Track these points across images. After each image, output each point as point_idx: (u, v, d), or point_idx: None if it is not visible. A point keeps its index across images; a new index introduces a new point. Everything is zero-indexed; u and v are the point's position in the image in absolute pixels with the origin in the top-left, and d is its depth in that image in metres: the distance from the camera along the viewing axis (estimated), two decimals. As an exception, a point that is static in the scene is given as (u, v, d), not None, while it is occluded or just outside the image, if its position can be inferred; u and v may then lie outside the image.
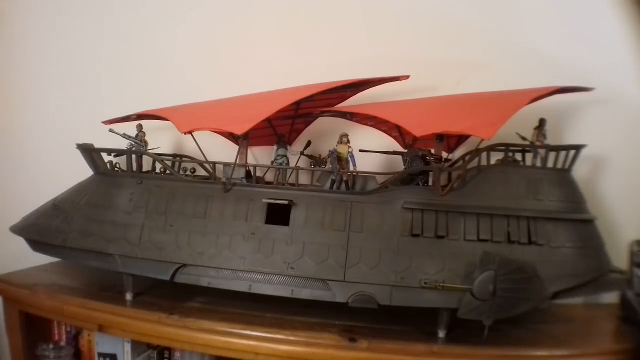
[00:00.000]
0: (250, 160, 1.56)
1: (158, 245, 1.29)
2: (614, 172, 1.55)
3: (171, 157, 1.60)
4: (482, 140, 1.18)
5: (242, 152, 1.40)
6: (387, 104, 1.46)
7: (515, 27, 1.62)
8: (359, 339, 1.14)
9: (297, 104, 1.46)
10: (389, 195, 1.23)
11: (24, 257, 1.53)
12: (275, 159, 1.46)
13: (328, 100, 1.52)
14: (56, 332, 1.57)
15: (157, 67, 1.90)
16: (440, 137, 1.41)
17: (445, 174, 1.36)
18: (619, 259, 1.28)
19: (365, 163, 1.40)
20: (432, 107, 1.37)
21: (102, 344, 1.48)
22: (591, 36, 1.56)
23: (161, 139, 1.65)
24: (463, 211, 1.18)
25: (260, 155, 1.74)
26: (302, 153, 1.52)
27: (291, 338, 1.17)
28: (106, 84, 1.96)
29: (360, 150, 1.44)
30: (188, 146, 1.65)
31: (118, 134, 1.48)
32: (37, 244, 1.45)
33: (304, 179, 1.56)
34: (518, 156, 1.31)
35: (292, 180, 1.40)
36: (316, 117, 1.58)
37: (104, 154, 1.48)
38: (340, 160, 1.30)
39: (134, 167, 1.42)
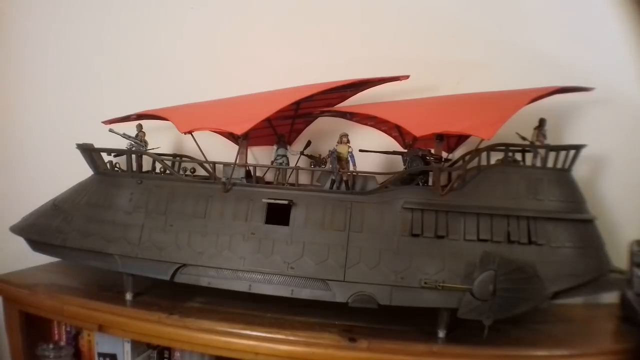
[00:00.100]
0: (250, 160, 1.56)
1: (158, 245, 1.29)
2: (614, 172, 1.55)
3: (171, 157, 1.60)
4: (482, 140, 1.18)
5: (242, 152, 1.40)
6: (387, 104, 1.46)
7: (515, 27, 1.62)
8: (359, 339, 1.14)
9: (297, 104, 1.46)
10: (389, 195, 1.23)
11: (24, 257, 1.53)
12: (275, 159, 1.46)
13: (328, 100, 1.52)
14: (56, 332, 1.57)
15: (157, 67, 1.90)
16: (440, 137, 1.41)
17: (445, 174, 1.36)
18: (619, 259, 1.28)
19: (365, 163, 1.40)
20: (432, 107, 1.37)
21: (102, 344, 1.47)
22: (591, 36, 1.56)
23: (161, 139, 1.65)
24: (463, 211, 1.18)
25: (260, 155, 1.74)
26: (302, 153, 1.52)
27: (291, 338, 1.17)
28: (106, 84, 1.96)
29: (360, 150, 1.44)
30: (188, 146, 1.65)
31: (118, 134, 1.48)
32: (37, 244, 1.45)
33: (304, 179, 1.56)
34: (518, 156, 1.31)
35: (292, 180, 1.40)
36: (316, 117, 1.58)
37: (104, 154, 1.48)
38: (340, 160, 1.30)
39: (134, 167, 1.42)
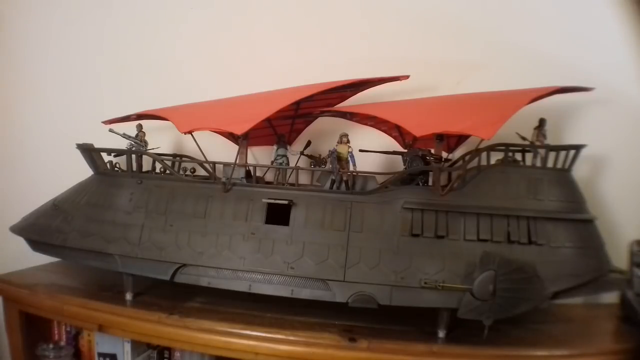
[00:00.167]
0: (250, 160, 1.56)
1: (158, 245, 1.29)
2: (614, 172, 1.56)
3: (171, 157, 1.60)
4: (482, 140, 1.18)
5: (242, 152, 1.40)
6: (387, 104, 1.46)
7: (515, 27, 1.62)
8: (359, 339, 1.14)
9: (297, 104, 1.46)
10: (389, 195, 1.23)
11: (24, 257, 1.53)
12: (275, 159, 1.46)
13: (328, 100, 1.52)
14: (56, 332, 1.57)
15: (157, 67, 1.90)
16: (440, 137, 1.41)
17: (445, 174, 1.36)
18: (619, 259, 1.28)
19: (365, 163, 1.40)
20: (432, 107, 1.37)
21: (102, 344, 1.47)
22: (591, 36, 1.56)
23: (161, 139, 1.65)
24: (463, 211, 1.18)
25: (260, 155, 1.74)
26: (302, 153, 1.52)
27: (291, 338, 1.17)
28: (106, 84, 1.96)
29: (360, 150, 1.44)
30: (188, 146, 1.65)
31: (118, 134, 1.48)
32: (37, 244, 1.45)
33: (304, 179, 1.56)
34: (518, 156, 1.31)
35: (292, 180, 1.40)
36: (316, 117, 1.58)
37: (104, 154, 1.48)
38: (340, 160, 1.30)
39: (134, 167, 1.42)
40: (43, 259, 1.57)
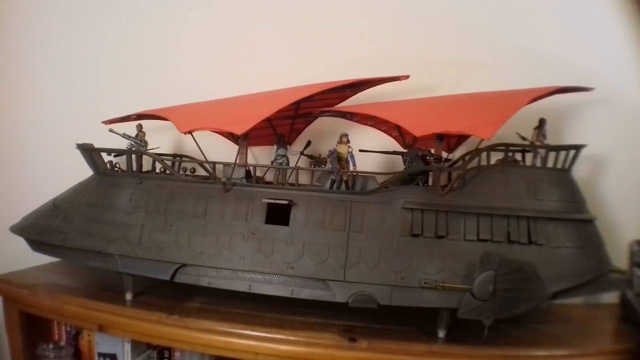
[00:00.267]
0: (250, 160, 1.56)
1: (158, 245, 1.29)
2: (614, 172, 1.56)
3: (171, 157, 1.60)
4: (482, 140, 1.18)
5: (242, 152, 1.40)
6: (387, 104, 1.46)
7: (515, 27, 1.62)
8: (359, 339, 1.14)
9: (297, 104, 1.46)
10: (389, 195, 1.23)
11: (24, 257, 1.53)
12: (275, 159, 1.46)
13: (328, 100, 1.52)
14: (56, 332, 1.57)
15: (157, 67, 1.90)
16: (440, 137, 1.41)
17: (445, 174, 1.36)
18: (619, 259, 1.28)
19: (365, 163, 1.40)
20: (432, 107, 1.37)
21: (102, 344, 1.47)
22: (591, 36, 1.56)
23: (161, 139, 1.65)
24: (463, 211, 1.18)
25: (260, 155, 1.74)
26: (302, 153, 1.52)
27: (291, 338, 1.17)
28: (106, 84, 1.96)
29: (360, 150, 1.44)
30: (188, 146, 1.65)
31: (118, 134, 1.48)
32: (37, 244, 1.45)
33: (304, 179, 1.56)
34: (518, 156, 1.31)
35: (292, 180, 1.40)
36: (316, 117, 1.58)
37: (104, 154, 1.48)
38: (340, 160, 1.30)
39: (134, 167, 1.42)
40: (43, 259, 1.57)
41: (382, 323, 1.24)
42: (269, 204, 1.26)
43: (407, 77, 1.43)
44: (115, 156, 1.48)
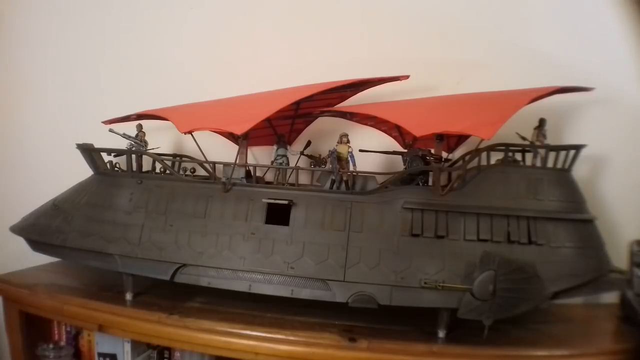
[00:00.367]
0: (250, 160, 1.56)
1: (158, 245, 1.29)
2: (614, 172, 1.56)
3: (171, 157, 1.60)
4: (482, 140, 1.18)
5: (242, 152, 1.40)
6: (387, 104, 1.46)
7: (515, 27, 1.62)
8: (359, 339, 1.14)
9: (297, 104, 1.46)
10: (389, 195, 1.23)
11: (24, 257, 1.53)
12: (275, 159, 1.46)
13: (328, 100, 1.52)
14: (56, 332, 1.57)
15: (157, 67, 1.90)
16: (440, 137, 1.41)
17: (445, 174, 1.36)
18: (619, 259, 1.28)
19: (365, 163, 1.40)
20: (432, 107, 1.37)
21: (102, 344, 1.47)
22: (591, 36, 1.56)
23: (161, 139, 1.65)
24: (463, 211, 1.18)
25: (260, 155, 1.74)
26: (302, 153, 1.52)
27: (291, 338, 1.17)
28: (107, 84, 1.95)
29: (360, 150, 1.44)
30: (188, 146, 1.65)
31: (118, 134, 1.48)
32: (37, 244, 1.45)
33: (304, 179, 1.56)
34: (518, 156, 1.31)
35: (292, 180, 1.40)
36: (316, 117, 1.58)
37: (104, 154, 1.48)
38: (340, 160, 1.30)
39: (134, 167, 1.42)
40: (43, 259, 1.57)
41: (382, 323, 1.24)
42: (269, 204, 1.26)
43: (407, 77, 1.43)
44: (115, 156, 1.48)
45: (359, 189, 1.29)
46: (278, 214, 1.25)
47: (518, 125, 1.25)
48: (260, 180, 1.41)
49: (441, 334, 1.17)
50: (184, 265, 1.27)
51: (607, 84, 1.44)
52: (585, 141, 1.24)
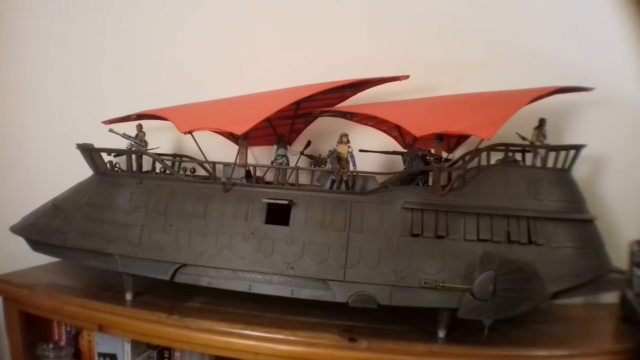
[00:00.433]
0: (250, 160, 1.56)
1: (158, 245, 1.29)
2: (614, 172, 1.56)
3: (171, 157, 1.60)
4: (482, 140, 1.18)
5: (242, 152, 1.40)
6: (387, 104, 1.46)
7: (515, 27, 1.62)
8: (359, 339, 1.14)
9: (297, 104, 1.46)
10: (389, 195, 1.23)
11: (24, 257, 1.53)
12: (275, 159, 1.46)
13: (328, 100, 1.52)
14: (56, 332, 1.57)
15: (158, 67, 1.90)
16: (440, 137, 1.41)
17: (445, 174, 1.36)
18: (619, 259, 1.28)
19: (365, 163, 1.40)
20: (432, 107, 1.37)
21: (102, 344, 1.47)
22: (591, 36, 1.56)
23: (161, 139, 1.65)
24: (463, 211, 1.18)
25: (260, 155, 1.74)
26: (302, 153, 1.52)
27: (291, 338, 1.17)
28: (107, 84, 1.95)
29: (360, 150, 1.44)
30: (188, 146, 1.65)
31: (118, 134, 1.48)
32: (37, 244, 1.45)
33: (304, 179, 1.56)
34: (518, 156, 1.31)
35: (292, 180, 1.40)
36: (316, 117, 1.58)
37: (104, 154, 1.48)
38: (340, 160, 1.30)
39: (134, 167, 1.42)
40: (43, 259, 1.57)
41: (382, 323, 1.24)
42: (269, 204, 1.26)
43: (407, 77, 1.43)
44: (115, 156, 1.48)
45: (359, 189, 1.29)
46: (278, 214, 1.25)
47: (518, 125, 1.25)
48: (260, 180, 1.42)
49: (441, 334, 1.17)
50: (184, 265, 1.27)
51: (607, 84, 1.44)
52: (585, 141, 1.24)
